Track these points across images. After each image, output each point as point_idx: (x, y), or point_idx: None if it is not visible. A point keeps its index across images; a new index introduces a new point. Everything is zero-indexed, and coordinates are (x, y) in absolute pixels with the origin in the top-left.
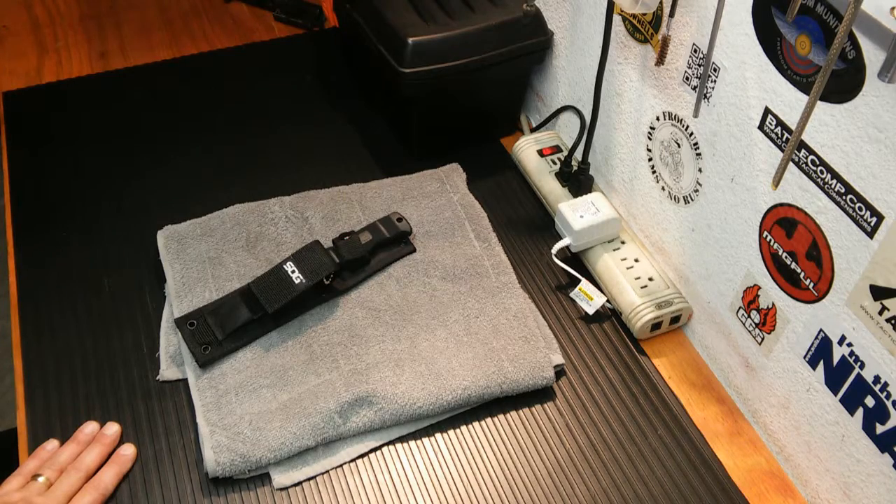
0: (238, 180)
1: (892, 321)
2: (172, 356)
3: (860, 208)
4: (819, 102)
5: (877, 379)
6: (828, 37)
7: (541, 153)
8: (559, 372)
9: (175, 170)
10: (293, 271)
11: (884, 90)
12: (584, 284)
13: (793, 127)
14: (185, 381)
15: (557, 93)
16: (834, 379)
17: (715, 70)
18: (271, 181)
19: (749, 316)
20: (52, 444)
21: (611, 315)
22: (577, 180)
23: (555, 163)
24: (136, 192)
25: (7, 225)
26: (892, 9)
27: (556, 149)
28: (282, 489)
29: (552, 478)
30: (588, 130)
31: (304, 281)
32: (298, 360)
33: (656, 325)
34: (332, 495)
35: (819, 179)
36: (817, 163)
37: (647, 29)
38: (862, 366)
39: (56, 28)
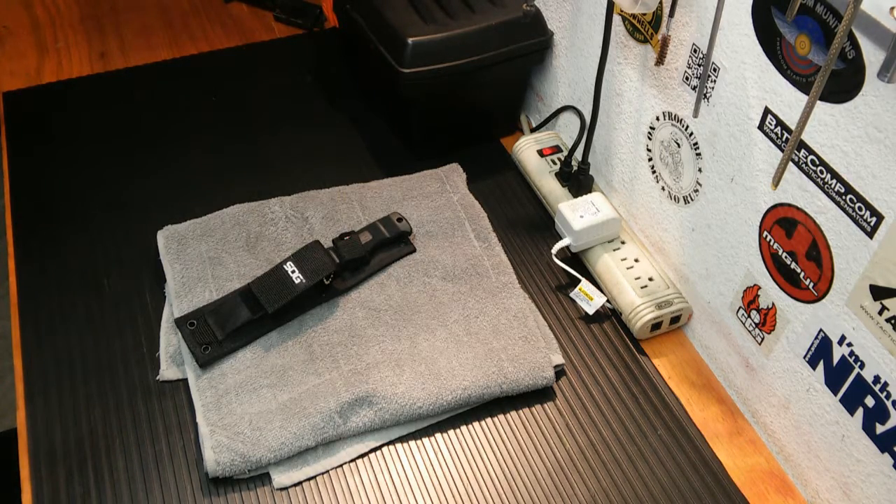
0: (238, 180)
1: (892, 321)
2: (172, 356)
3: (860, 208)
4: (819, 102)
5: (877, 379)
6: (827, 37)
7: (541, 153)
8: (559, 372)
9: (175, 170)
10: (293, 271)
11: (883, 90)
12: (584, 284)
13: (792, 127)
14: (185, 381)
15: (557, 93)
16: (834, 379)
17: (715, 70)
18: (271, 181)
19: (749, 316)
20: None
21: (611, 315)
22: (577, 180)
23: (555, 163)
24: (136, 192)
25: (7, 225)
26: (892, 9)
27: (556, 149)
28: (282, 489)
29: (552, 478)
30: (588, 130)
31: (304, 281)
32: (298, 360)
33: (656, 325)
34: (332, 495)
35: (819, 179)
36: (817, 163)
37: (646, 29)
38: (862, 366)
39: (56, 28)
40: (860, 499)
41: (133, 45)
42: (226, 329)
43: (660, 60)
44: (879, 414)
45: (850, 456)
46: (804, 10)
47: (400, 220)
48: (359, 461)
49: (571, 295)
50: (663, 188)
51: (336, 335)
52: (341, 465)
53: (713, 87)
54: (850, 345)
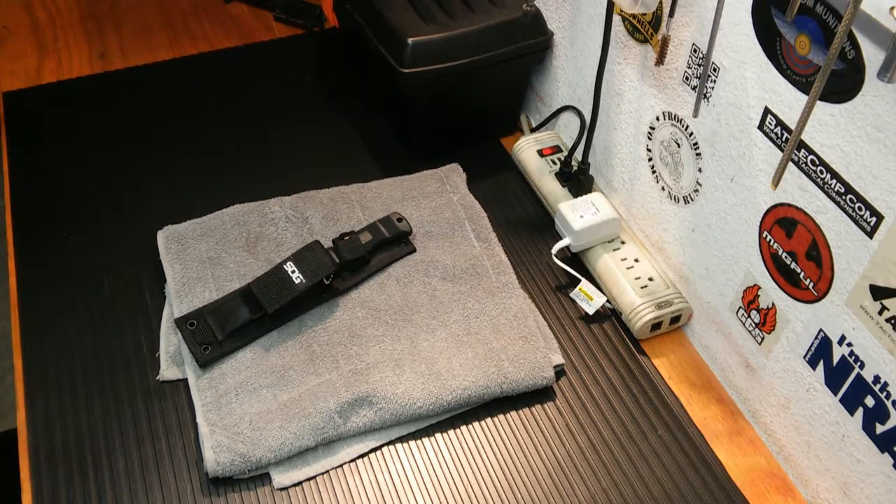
0: (238, 180)
1: (892, 321)
2: (172, 356)
3: (860, 208)
4: (819, 102)
5: (877, 379)
6: (827, 37)
7: (541, 153)
8: (559, 372)
9: (175, 170)
10: (293, 271)
11: (883, 90)
12: (584, 284)
13: (792, 127)
14: (185, 381)
15: (557, 93)
16: (834, 379)
17: (715, 70)
18: (271, 181)
19: (749, 316)
20: None
21: (611, 315)
22: (577, 180)
23: (555, 163)
24: (136, 192)
25: (7, 225)
26: (892, 9)
27: (556, 149)
28: (282, 489)
29: (552, 478)
30: (588, 130)
31: (304, 281)
32: (298, 360)
33: (656, 325)
34: (332, 495)
35: (819, 179)
36: (817, 163)
37: (646, 29)
38: (862, 366)
39: (56, 28)
40: (860, 499)
41: (133, 45)
42: (226, 329)
43: (660, 60)
44: (879, 414)
45: (850, 456)
46: (804, 10)
47: (400, 220)
48: (359, 461)
49: (571, 295)
50: (663, 188)
51: (336, 335)
52: (341, 465)
53: (713, 87)
54: (849, 345)
